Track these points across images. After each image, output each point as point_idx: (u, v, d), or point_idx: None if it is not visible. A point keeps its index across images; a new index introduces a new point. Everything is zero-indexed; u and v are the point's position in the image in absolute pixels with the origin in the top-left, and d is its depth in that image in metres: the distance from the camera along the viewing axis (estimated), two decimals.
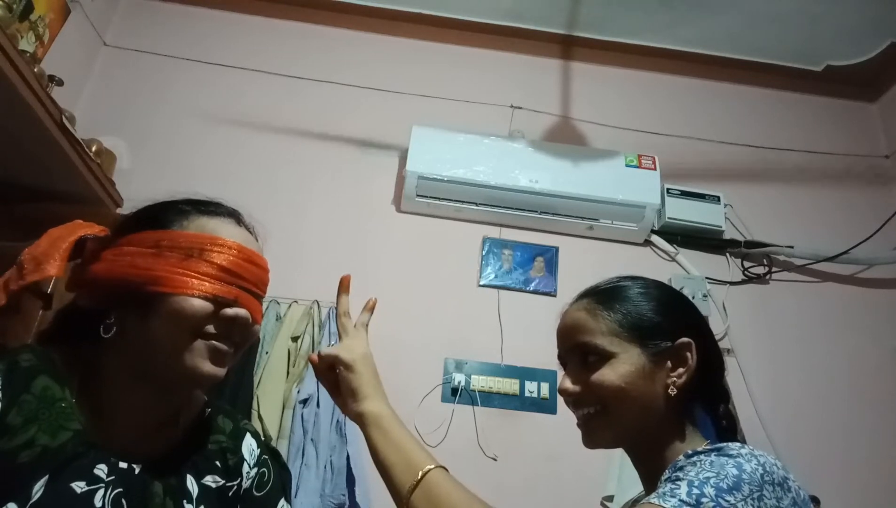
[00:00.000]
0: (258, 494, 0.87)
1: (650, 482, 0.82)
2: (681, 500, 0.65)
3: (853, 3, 2.47)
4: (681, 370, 0.82)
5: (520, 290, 2.39)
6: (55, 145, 1.87)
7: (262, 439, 0.94)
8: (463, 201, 2.42)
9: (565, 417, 0.97)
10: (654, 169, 2.47)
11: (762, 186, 2.69)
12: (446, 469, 0.76)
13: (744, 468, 0.68)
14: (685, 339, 0.83)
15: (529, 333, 2.26)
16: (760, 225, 2.59)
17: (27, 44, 2.06)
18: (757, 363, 2.35)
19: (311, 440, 1.93)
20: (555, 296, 2.38)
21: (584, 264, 2.42)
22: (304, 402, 1.98)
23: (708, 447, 0.75)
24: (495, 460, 2.13)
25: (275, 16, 2.79)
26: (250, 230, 0.84)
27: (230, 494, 0.84)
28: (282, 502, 0.90)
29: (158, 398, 0.79)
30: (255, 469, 0.88)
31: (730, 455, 0.70)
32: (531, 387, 2.23)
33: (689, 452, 0.74)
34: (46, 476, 0.66)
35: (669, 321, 0.85)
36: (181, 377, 0.75)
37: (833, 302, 2.51)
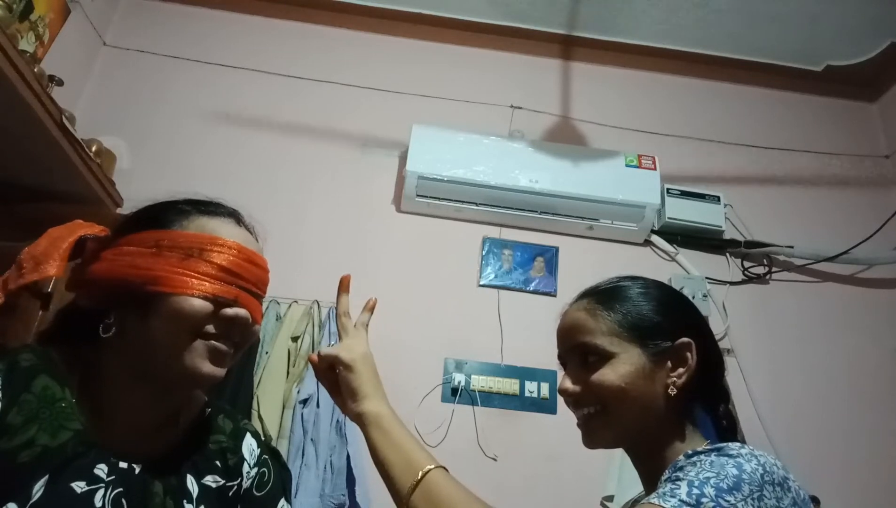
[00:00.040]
0: (258, 494, 0.87)
1: (650, 482, 0.82)
2: (681, 500, 0.65)
3: (853, 3, 2.47)
4: (681, 370, 0.82)
5: (520, 290, 2.39)
6: (55, 145, 1.87)
7: (263, 439, 0.94)
8: (463, 201, 2.42)
9: (565, 417, 0.97)
10: (654, 169, 2.47)
11: (762, 186, 2.69)
12: (446, 470, 0.76)
13: (744, 468, 0.68)
14: (685, 339, 0.83)
15: (529, 333, 2.26)
16: (760, 225, 2.59)
17: (27, 44, 2.06)
18: (757, 363, 2.35)
19: (311, 440, 1.93)
20: (555, 296, 2.38)
21: (584, 264, 2.42)
22: (304, 402, 1.98)
23: (708, 447, 0.75)
24: (495, 460, 2.13)
25: (275, 16, 2.79)
26: (250, 230, 0.84)
27: (230, 494, 0.84)
28: (282, 502, 0.90)
29: (158, 398, 0.79)
30: (256, 469, 0.88)
31: (730, 455, 0.70)
32: (531, 387, 2.23)
33: (690, 452, 0.74)
34: (46, 476, 0.67)
35: (669, 321, 0.85)
36: (181, 377, 0.75)
37: (833, 302, 2.51)
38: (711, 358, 0.86)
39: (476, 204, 2.42)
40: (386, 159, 2.55)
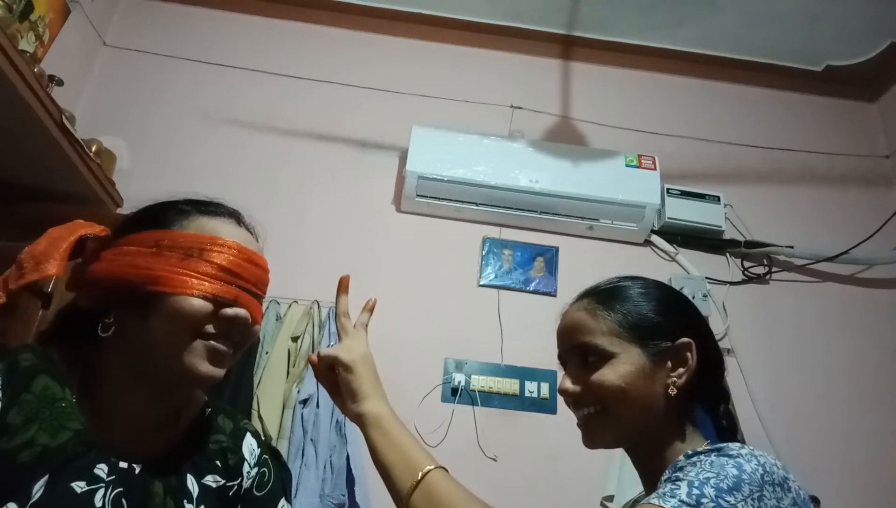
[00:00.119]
0: (259, 494, 0.87)
1: (650, 482, 0.82)
2: (681, 500, 0.65)
3: (853, 3, 2.47)
4: (681, 370, 0.82)
5: (520, 290, 2.39)
6: (55, 145, 1.87)
7: (263, 439, 0.94)
8: (463, 201, 2.42)
9: (565, 417, 0.97)
10: (654, 169, 2.47)
11: (762, 186, 2.69)
12: (446, 470, 0.76)
13: (744, 468, 0.67)
14: (685, 339, 0.83)
15: (529, 333, 2.26)
16: (760, 225, 2.59)
17: (27, 44, 2.06)
18: (757, 363, 2.35)
19: (311, 440, 1.93)
20: (555, 296, 2.38)
21: (584, 264, 2.42)
22: (304, 402, 1.98)
23: (708, 447, 0.75)
24: (495, 460, 2.13)
25: (275, 16, 2.79)
26: (250, 231, 0.84)
27: (230, 494, 0.84)
28: (282, 502, 0.90)
29: (158, 398, 0.79)
30: (256, 469, 0.88)
31: (730, 456, 0.70)
32: (531, 387, 2.23)
33: (690, 452, 0.74)
34: (46, 476, 0.66)
35: (669, 321, 0.85)
36: (180, 377, 0.75)
37: (833, 302, 2.51)
38: (711, 358, 0.86)
39: (476, 204, 2.42)
40: (386, 159, 2.55)
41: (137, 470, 0.74)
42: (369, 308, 0.92)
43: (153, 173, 2.36)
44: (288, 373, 2.04)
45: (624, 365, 0.81)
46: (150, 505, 0.74)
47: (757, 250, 2.52)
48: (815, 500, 1.93)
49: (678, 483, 0.68)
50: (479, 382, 2.22)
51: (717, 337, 0.93)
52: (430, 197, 2.40)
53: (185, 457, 0.81)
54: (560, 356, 0.91)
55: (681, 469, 0.72)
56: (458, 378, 2.21)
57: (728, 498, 0.65)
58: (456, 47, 2.81)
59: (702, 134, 2.75)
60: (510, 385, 2.22)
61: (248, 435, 0.90)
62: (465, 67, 2.78)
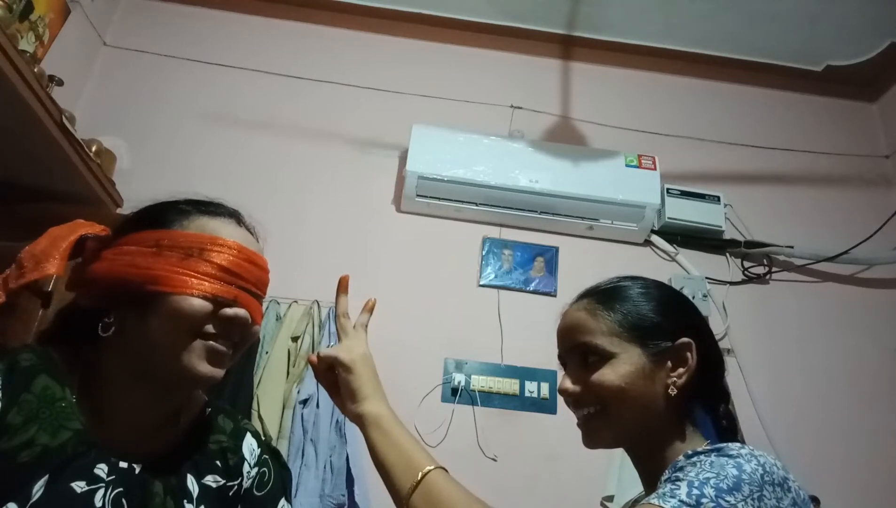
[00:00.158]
0: (259, 494, 0.87)
1: (650, 482, 0.82)
2: (681, 500, 0.65)
3: (853, 3, 2.47)
4: (681, 370, 0.82)
5: (520, 290, 2.39)
6: (55, 145, 1.87)
7: (263, 439, 0.94)
8: (463, 201, 2.42)
9: (565, 417, 0.97)
10: (654, 169, 2.47)
11: (762, 186, 2.69)
12: (446, 470, 0.76)
13: (744, 468, 0.68)
14: (685, 339, 0.83)
15: (529, 333, 2.26)
16: (760, 225, 2.59)
17: (27, 44, 2.06)
18: (757, 363, 2.35)
19: (311, 440, 1.93)
20: (555, 296, 2.38)
21: (584, 264, 2.42)
22: (304, 402, 1.98)
23: (708, 447, 0.75)
24: (495, 460, 2.13)
25: (275, 16, 2.79)
26: (251, 231, 0.84)
27: (231, 494, 0.84)
28: (282, 502, 0.90)
29: (158, 398, 0.79)
30: (256, 469, 0.88)
31: (730, 456, 0.70)
32: (531, 387, 2.23)
33: (689, 452, 0.74)
34: (46, 476, 0.66)
35: (670, 321, 0.85)
36: (179, 377, 0.75)
37: (833, 302, 2.51)
38: (711, 358, 0.86)
39: (476, 204, 2.42)
40: (386, 159, 2.55)
41: (137, 470, 0.74)
42: (369, 309, 0.92)
43: (153, 173, 2.36)
44: (288, 373, 2.03)
45: (624, 365, 0.81)
46: (150, 505, 0.74)
47: (757, 250, 2.52)
48: (815, 500, 1.93)
49: (678, 483, 0.68)
50: (479, 382, 2.22)
51: (717, 337, 0.93)
52: (430, 197, 2.40)
53: (185, 457, 0.81)
54: (560, 356, 0.91)
55: (681, 469, 0.72)
56: (458, 378, 2.21)
57: (728, 498, 0.65)
58: (456, 47, 2.81)
59: (702, 134, 2.75)
60: (510, 385, 2.22)
61: (249, 435, 0.90)
62: (465, 67, 2.78)
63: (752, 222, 2.59)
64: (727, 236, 2.53)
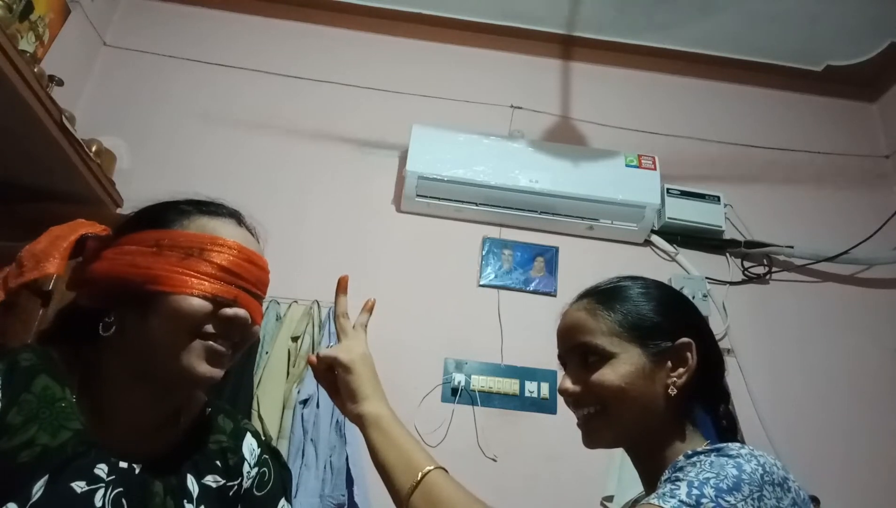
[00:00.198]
0: (259, 494, 0.87)
1: (650, 482, 0.82)
2: (680, 501, 0.65)
3: (853, 3, 2.47)
4: (681, 370, 0.82)
5: (520, 290, 2.39)
6: (55, 145, 1.87)
7: (263, 439, 0.94)
8: (463, 201, 2.41)
9: (565, 417, 0.97)
10: (654, 169, 2.46)
11: (762, 186, 2.69)
12: (446, 470, 0.76)
13: (744, 468, 0.68)
14: (685, 339, 0.83)
15: (529, 333, 2.25)
16: (760, 225, 2.59)
17: (27, 44, 2.06)
18: (757, 363, 2.35)
19: (311, 440, 1.93)
20: (555, 296, 2.38)
21: (584, 264, 2.42)
22: (304, 402, 1.98)
23: (708, 447, 0.75)
24: (495, 460, 2.13)
25: (275, 16, 2.78)
26: (251, 231, 0.85)
27: (231, 494, 0.84)
28: (282, 502, 0.90)
29: (158, 398, 0.79)
30: (256, 469, 0.88)
31: (730, 456, 0.70)
32: (531, 387, 2.23)
33: (689, 452, 0.74)
34: (46, 476, 0.66)
35: (670, 321, 0.85)
36: (178, 377, 0.75)
37: (833, 302, 2.51)
38: (711, 358, 0.87)
39: (476, 204, 2.42)
40: (386, 159, 2.55)
41: (137, 470, 0.74)
42: (368, 309, 0.92)
43: (153, 173, 2.36)
44: (288, 373, 2.03)
45: (624, 365, 0.81)
46: (150, 505, 0.74)
47: (757, 250, 2.52)
48: (815, 500, 1.93)
49: (678, 483, 0.68)
50: (479, 382, 2.22)
51: (717, 337, 0.93)
52: (430, 197, 2.40)
53: (185, 457, 0.81)
54: (560, 356, 0.91)
55: (680, 469, 0.72)
56: (458, 378, 2.21)
57: (728, 498, 0.65)
58: (456, 47, 2.81)
59: (702, 134, 2.75)
60: (510, 385, 2.22)
61: (249, 435, 0.90)
62: (465, 67, 2.78)
63: (752, 222, 2.59)
64: (727, 236, 2.53)
